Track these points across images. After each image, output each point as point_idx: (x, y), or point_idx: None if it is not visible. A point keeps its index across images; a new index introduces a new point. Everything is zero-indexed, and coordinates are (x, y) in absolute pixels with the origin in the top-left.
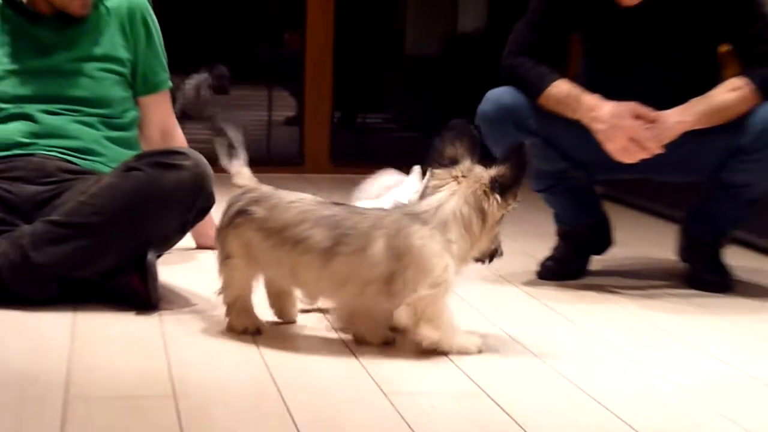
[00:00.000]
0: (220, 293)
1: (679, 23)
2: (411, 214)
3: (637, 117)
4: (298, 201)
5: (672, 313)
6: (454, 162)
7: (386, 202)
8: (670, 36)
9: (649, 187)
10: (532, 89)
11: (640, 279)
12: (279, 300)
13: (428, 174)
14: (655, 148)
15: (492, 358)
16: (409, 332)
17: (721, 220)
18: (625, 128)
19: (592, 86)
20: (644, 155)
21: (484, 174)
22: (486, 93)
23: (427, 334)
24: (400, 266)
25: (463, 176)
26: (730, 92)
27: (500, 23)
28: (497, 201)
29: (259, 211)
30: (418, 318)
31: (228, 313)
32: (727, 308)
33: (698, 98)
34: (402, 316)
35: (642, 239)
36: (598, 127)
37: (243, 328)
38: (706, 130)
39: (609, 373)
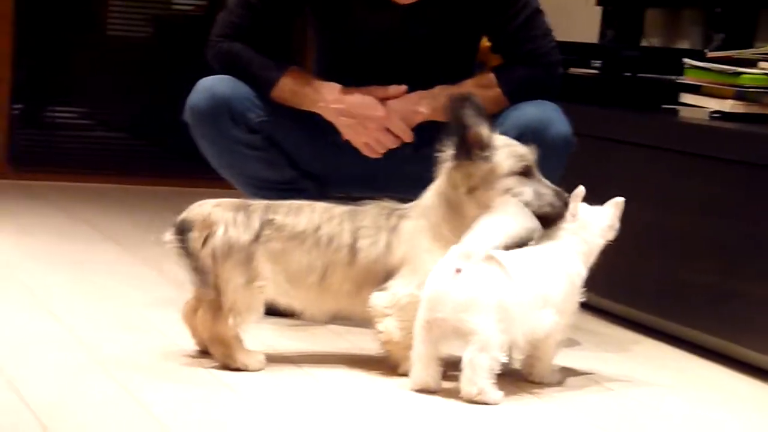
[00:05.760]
0: (230, 320)
1: (434, 10)
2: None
3: (385, 99)
4: (307, 204)
5: None
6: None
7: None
8: (423, 25)
9: None
10: (261, 79)
11: None
12: None
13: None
14: (408, 136)
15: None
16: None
17: None
18: (377, 118)
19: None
20: (395, 144)
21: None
22: (196, 83)
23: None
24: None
25: None
26: (479, 90)
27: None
28: (464, 164)
29: (284, 217)
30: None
31: (230, 348)
32: None
33: (443, 87)
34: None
35: None
36: (344, 122)
37: (260, 365)
38: None
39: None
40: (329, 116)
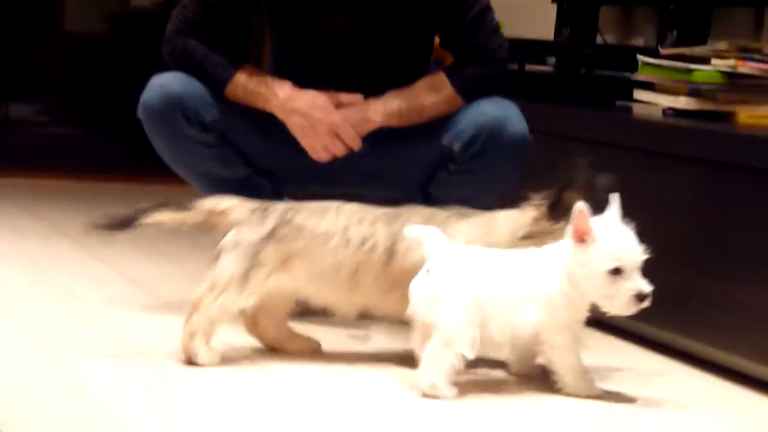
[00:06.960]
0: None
1: (386, 5)
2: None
3: (339, 106)
4: (333, 206)
5: None
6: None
7: None
8: (376, 21)
9: None
10: (215, 77)
11: None
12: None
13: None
14: (356, 145)
15: None
16: None
17: None
18: (328, 123)
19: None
20: (343, 152)
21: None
22: (150, 79)
23: None
24: None
25: None
26: (431, 92)
27: None
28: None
29: (305, 218)
30: None
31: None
32: None
33: (395, 92)
34: None
35: None
36: (295, 121)
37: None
38: (412, 136)
39: None
40: (281, 115)
